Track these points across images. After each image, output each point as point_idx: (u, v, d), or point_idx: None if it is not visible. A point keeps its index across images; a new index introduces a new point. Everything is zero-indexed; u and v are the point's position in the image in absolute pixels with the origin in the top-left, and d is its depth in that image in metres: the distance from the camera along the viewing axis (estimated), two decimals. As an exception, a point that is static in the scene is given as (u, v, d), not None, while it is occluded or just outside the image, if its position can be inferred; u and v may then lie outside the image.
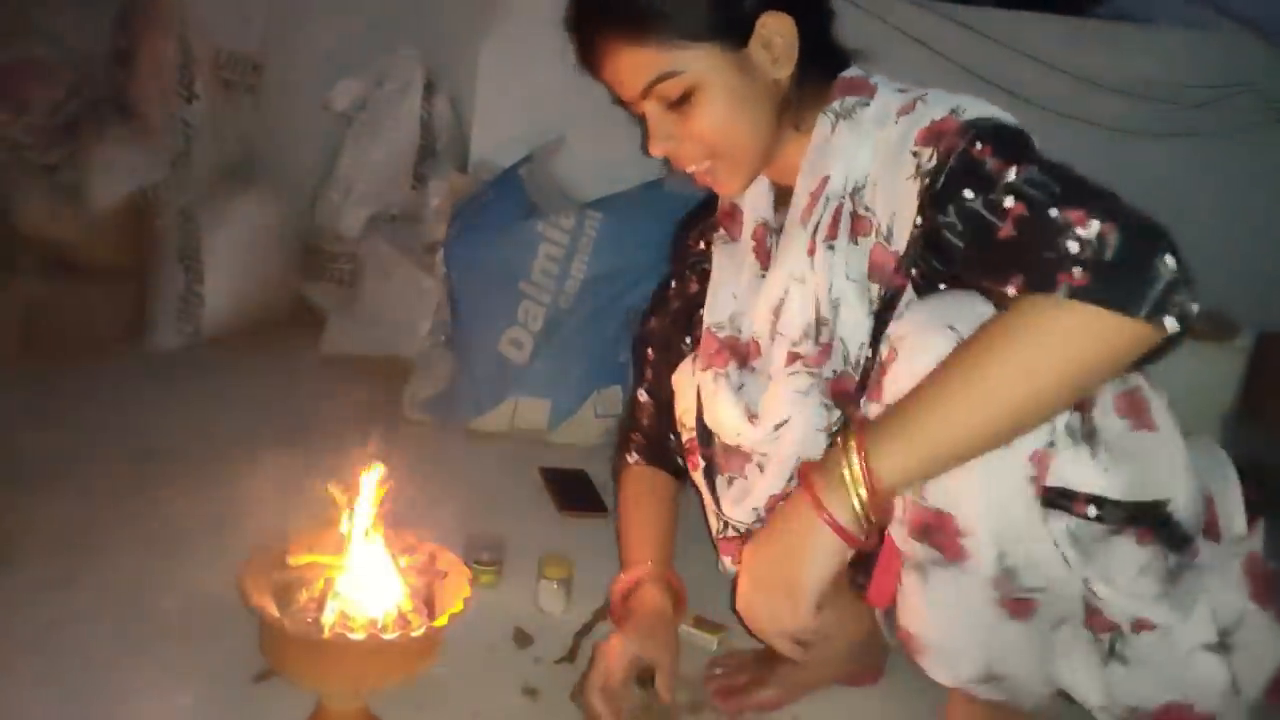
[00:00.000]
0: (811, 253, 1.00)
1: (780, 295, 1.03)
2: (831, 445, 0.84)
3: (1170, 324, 0.74)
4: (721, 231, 1.15)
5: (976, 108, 0.91)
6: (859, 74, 1.02)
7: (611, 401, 1.89)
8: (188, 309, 2.09)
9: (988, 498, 0.83)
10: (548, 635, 1.25)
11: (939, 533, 0.85)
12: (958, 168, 0.87)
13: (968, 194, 0.85)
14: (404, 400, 1.91)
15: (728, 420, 1.06)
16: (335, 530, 1.02)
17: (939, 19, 2.12)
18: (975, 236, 0.84)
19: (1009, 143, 0.86)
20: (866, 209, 0.97)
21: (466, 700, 1.12)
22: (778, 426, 1.01)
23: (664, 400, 1.23)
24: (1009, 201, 0.81)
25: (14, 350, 1.94)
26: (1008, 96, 2.03)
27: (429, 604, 1.02)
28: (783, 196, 1.06)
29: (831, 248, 0.99)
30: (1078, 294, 0.74)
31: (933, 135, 0.90)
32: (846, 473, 0.80)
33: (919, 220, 0.91)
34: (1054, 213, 0.78)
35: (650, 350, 1.28)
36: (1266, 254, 2.28)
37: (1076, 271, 0.74)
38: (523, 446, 1.83)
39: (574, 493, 1.67)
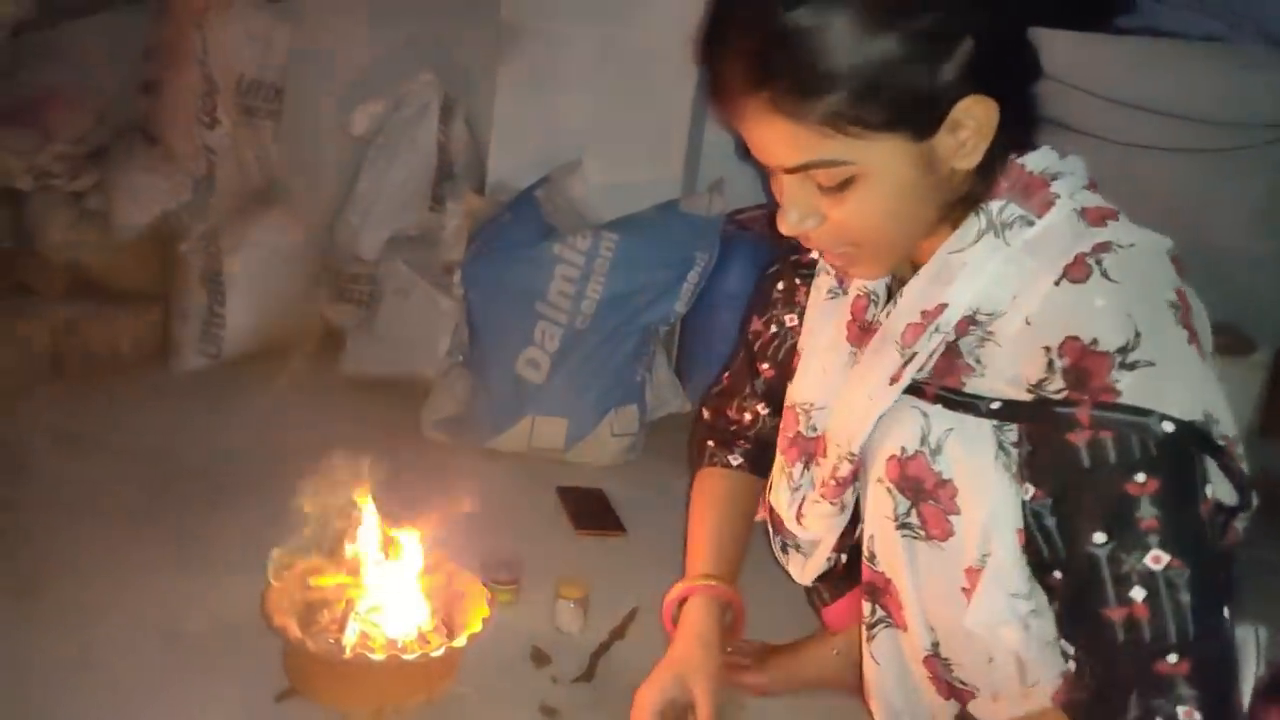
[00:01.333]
0: (895, 381, 0.84)
1: (852, 414, 0.90)
2: None
3: None
4: (830, 274, 0.99)
5: (1152, 370, 0.71)
6: (1043, 168, 0.82)
7: (628, 420, 1.90)
8: (210, 330, 2.12)
9: (915, 579, 0.85)
10: (565, 655, 1.26)
11: (884, 594, 0.89)
12: (1106, 495, 0.72)
13: (1098, 537, 0.73)
14: (422, 420, 1.92)
15: (781, 512, 1.03)
16: (355, 550, 1.04)
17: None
18: (1075, 584, 0.76)
19: (1174, 493, 0.72)
20: (977, 360, 0.80)
21: (486, 719, 1.13)
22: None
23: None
24: (1137, 593, 0.72)
25: (43, 373, 1.97)
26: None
27: (448, 624, 1.03)
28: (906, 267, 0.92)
29: None
30: None
31: (1079, 367, 0.73)
32: None
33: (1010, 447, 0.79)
34: (1158, 665, 0.72)
35: (766, 366, 1.12)
36: (1286, 270, 2.27)
37: None
38: (540, 466, 1.84)
39: (591, 512, 1.68)
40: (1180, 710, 0.72)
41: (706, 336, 2.17)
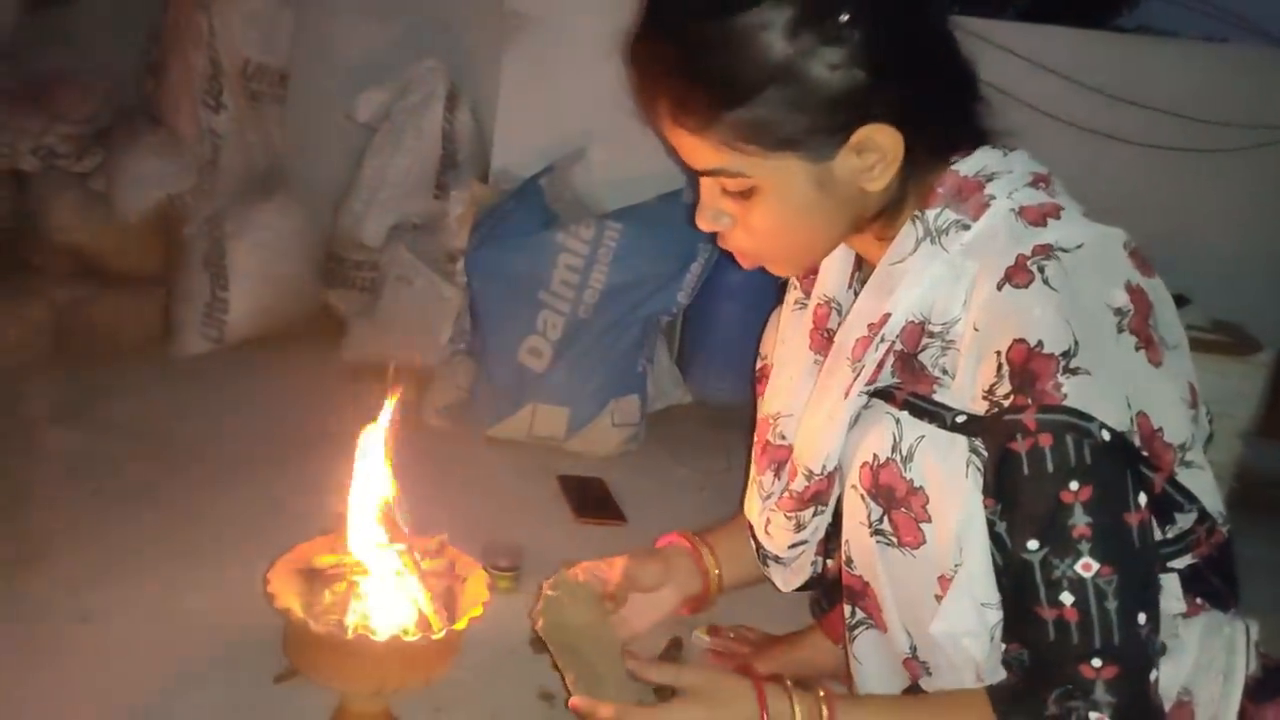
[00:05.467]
0: (847, 395, 0.86)
1: (814, 433, 0.91)
2: (799, 696, 0.87)
3: None
4: (796, 288, 1.03)
5: (1088, 378, 0.73)
6: (978, 170, 0.82)
7: (629, 410, 1.90)
8: (212, 315, 2.12)
9: (891, 584, 0.86)
10: (564, 641, 1.26)
11: (863, 598, 0.90)
12: (1040, 502, 0.74)
13: (1032, 543, 0.75)
14: (424, 407, 1.93)
15: (753, 520, 1.04)
16: (356, 533, 1.04)
17: (963, 35, 2.13)
18: (1011, 585, 0.78)
19: (1105, 501, 0.74)
20: (943, 371, 0.81)
21: (484, 703, 1.14)
22: (791, 546, 1.00)
23: None
24: (1066, 597, 0.75)
25: (46, 354, 1.98)
26: (1031, 111, 2.04)
27: (449, 608, 1.04)
28: (862, 269, 0.94)
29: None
30: None
31: (1026, 369, 0.74)
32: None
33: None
34: (1083, 668, 0.75)
35: None
36: (1289, 270, 2.27)
37: None
38: (541, 454, 1.85)
39: (591, 500, 1.68)
40: (1093, 715, 0.75)
41: (709, 328, 2.18)
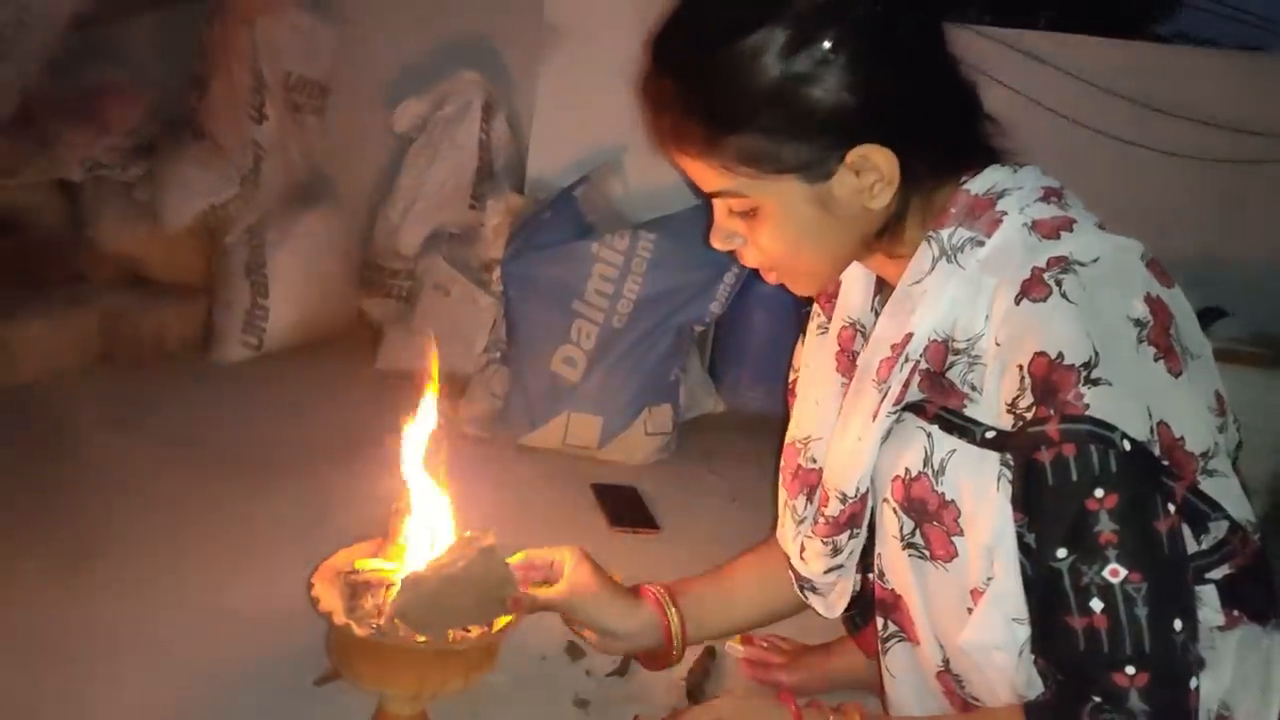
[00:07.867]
0: (875, 418, 0.86)
1: (844, 456, 0.91)
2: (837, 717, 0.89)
3: None
4: (819, 313, 1.03)
5: (1110, 389, 0.73)
6: (989, 188, 0.83)
7: (662, 419, 1.91)
8: (253, 322, 2.16)
9: (924, 598, 0.86)
10: (599, 649, 1.27)
11: (895, 610, 0.90)
12: (1066, 511, 0.74)
13: (1060, 551, 0.75)
14: (458, 415, 1.95)
15: (787, 548, 1.04)
16: (398, 538, 1.06)
17: (995, 45, 2.12)
18: (1040, 596, 0.77)
19: (1132, 508, 0.73)
20: (972, 387, 0.81)
21: (521, 709, 1.15)
22: (827, 571, 1.00)
23: None
24: (1096, 604, 0.74)
25: (93, 360, 2.02)
26: (1066, 122, 2.03)
27: (487, 613, 1.05)
28: (883, 290, 0.95)
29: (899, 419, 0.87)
30: None
31: (1048, 381, 0.74)
32: None
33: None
34: (1116, 676, 0.74)
35: None
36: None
37: None
38: (574, 462, 1.86)
39: (625, 509, 1.69)
40: None
41: (741, 337, 2.19)
